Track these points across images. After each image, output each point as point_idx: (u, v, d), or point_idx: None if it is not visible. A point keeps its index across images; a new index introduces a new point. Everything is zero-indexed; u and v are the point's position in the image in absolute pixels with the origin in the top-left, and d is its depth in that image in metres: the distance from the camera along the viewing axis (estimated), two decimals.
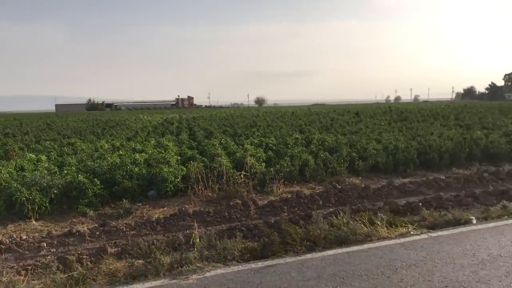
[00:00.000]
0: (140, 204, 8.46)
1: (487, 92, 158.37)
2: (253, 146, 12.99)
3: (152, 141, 16.01)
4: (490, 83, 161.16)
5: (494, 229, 6.14)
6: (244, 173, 9.50)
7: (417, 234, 5.98)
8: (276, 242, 5.67)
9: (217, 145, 13.82)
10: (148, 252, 5.33)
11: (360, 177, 10.61)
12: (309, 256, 5.29)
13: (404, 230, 6.15)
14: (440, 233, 6.04)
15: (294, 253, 5.42)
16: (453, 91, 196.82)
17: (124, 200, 8.17)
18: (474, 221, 6.59)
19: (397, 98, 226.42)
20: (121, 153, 11.96)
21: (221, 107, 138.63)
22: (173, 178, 9.16)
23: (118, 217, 7.63)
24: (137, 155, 11.03)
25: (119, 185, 8.75)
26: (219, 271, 4.93)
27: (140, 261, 5.25)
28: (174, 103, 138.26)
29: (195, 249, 5.46)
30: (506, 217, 6.80)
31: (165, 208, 8.22)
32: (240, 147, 13.20)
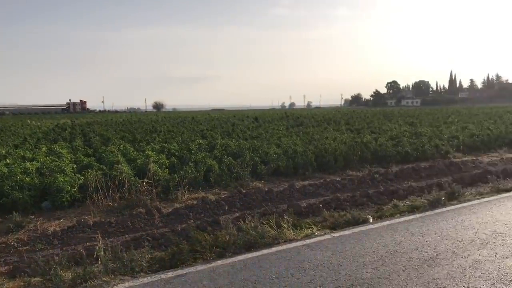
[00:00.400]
0: (33, 216, 7.81)
1: (372, 98, 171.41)
2: (154, 152, 12.65)
3: (44, 149, 14.87)
4: (374, 90, 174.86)
5: (389, 226, 6.62)
6: (146, 180, 9.20)
7: (321, 235, 6.25)
8: (185, 250, 5.56)
9: (116, 151, 13.24)
10: (47, 268, 4.91)
11: (263, 181, 10.82)
12: (219, 262, 5.26)
13: (309, 231, 6.38)
14: (341, 233, 6.36)
15: (204, 261, 5.36)
16: (342, 98, 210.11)
17: (15, 213, 7.47)
18: (371, 220, 7.05)
19: (292, 104, 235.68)
20: (8, 162, 10.93)
21: (116, 111, 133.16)
22: (69, 187, 8.59)
23: (8, 232, 6.96)
24: (27, 164, 10.17)
25: (8, 197, 7.99)
26: (127, 284, 4.70)
27: (37, 279, 4.83)
28: (65, 107, 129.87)
29: (100, 262, 5.15)
30: (398, 215, 7.36)
31: (61, 220, 7.68)
32: (141, 153, 12.78)
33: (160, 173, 9.76)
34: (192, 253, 5.55)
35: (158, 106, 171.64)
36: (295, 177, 11.40)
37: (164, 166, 10.71)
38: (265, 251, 5.58)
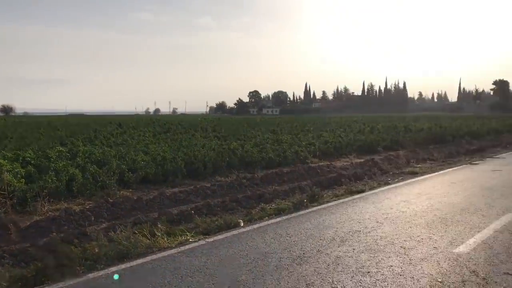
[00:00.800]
0: None
1: (235, 107, 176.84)
2: (7, 161, 11.45)
3: None
4: (238, 99, 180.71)
5: (259, 229, 6.95)
6: None
7: (195, 241, 6.31)
8: (50, 265, 5.17)
9: None
10: None
11: (131, 189, 10.52)
12: (91, 276, 5.00)
13: (183, 238, 6.41)
14: (215, 238, 6.50)
15: (74, 275, 5.05)
16: (207, 105, 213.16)
17: None
18: (242, 224, 7.32)
19: (157, 110, 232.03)
20: None
21: None
22: None
23: None
24: None
25: None
26: None
27: None
28: None
29: None
30: (266, 218, 7.76)
31: None
32: None
33: (15, 183, 8.89)
34: (59, 268, 5.18)
35: (6, 110, 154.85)
36: (164, 185, 11.29)
37: (19, 176, 9.76)
38: (139, 261, 5.46)
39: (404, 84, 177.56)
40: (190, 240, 6.37)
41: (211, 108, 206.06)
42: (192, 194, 10.03)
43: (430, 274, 4.89)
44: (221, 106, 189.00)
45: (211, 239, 6.41)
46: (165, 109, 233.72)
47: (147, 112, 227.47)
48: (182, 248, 5.99)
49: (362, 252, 5.70)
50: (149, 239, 6.09)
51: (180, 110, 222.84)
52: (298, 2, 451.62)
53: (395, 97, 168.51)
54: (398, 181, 11.90)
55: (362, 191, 10.29)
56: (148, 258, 5.56)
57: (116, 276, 4.95)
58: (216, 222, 7.29)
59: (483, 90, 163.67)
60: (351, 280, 4.74)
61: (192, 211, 8.19)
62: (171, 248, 6.00)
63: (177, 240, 6.29)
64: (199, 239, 6.40)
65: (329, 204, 8.92)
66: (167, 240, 6.23)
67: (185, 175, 12.17)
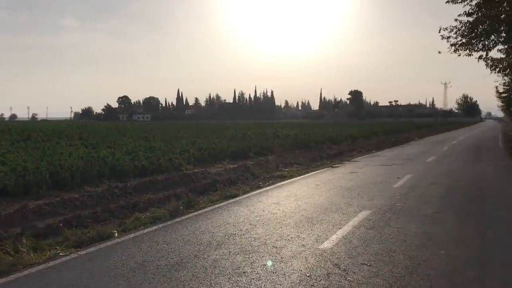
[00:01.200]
0: None
1: (103, 113, 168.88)
2: None
3: None
4: (106, 104, 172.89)
5: (134, 239, 6.84)
6: None
7: (66, 255, 6.00)
8: None
9: None
10: None
11: None
12: None
13: (52, 253, 6.05)
14: (88, 250, 6.25)
15: None
16: (71, 111, 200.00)
17: None
18: (116, 235, 7.13)
19: (13, 116, 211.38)
20: None
21: None
22: None
23: None
24: None
25: None
26: None
27: None
28: None
29: None
30: (142, 227, 7.64)
31: None
32: None
33: None
34: None
35: None
36: (27, 197, 10.41)
37: None
38: (2, 280, 5.03)
39: (272, 93, 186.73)
40: (61, 254, 6.03)
41: (76, 114, 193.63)
42: (60, 206, 9.45)
43: (300, 270, 5.31)
44: (87, 112, 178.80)
45: (83, 252, 6.14)
46: (23, 115, 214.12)
47: (1, 118, 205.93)
48: (52, 263, 5.65)
49: (238, 254, 5.95)
50: (12, 256, 5.63)
51: (41, 116, 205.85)
52: (169, 6, 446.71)
53: (264, 105, 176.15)
54: (269, 185, 12.54)
55: (236, 196, 10.65)
56: (13, 277, 5.15)
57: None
58: (88, 234, 7.01)
59: (341, 100, 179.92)
60: (228, 282, 4.94)
61: (61, 224, 7.75)
62: (39, 264, 5.62)
63: (45, 255, 5.91)
64: (71, 253, 6.09)
65: (205, 209, 9.09)
66: (34, 256, 5.82)
67: (50, 186, 11.36)
